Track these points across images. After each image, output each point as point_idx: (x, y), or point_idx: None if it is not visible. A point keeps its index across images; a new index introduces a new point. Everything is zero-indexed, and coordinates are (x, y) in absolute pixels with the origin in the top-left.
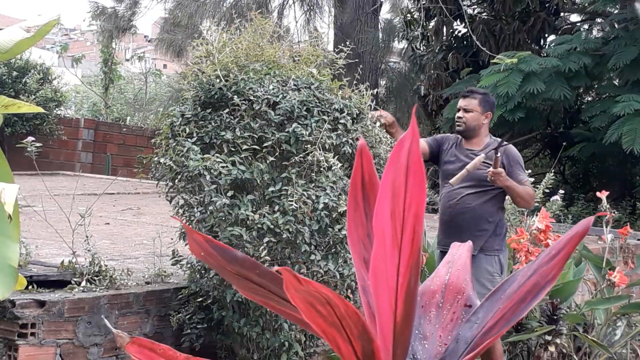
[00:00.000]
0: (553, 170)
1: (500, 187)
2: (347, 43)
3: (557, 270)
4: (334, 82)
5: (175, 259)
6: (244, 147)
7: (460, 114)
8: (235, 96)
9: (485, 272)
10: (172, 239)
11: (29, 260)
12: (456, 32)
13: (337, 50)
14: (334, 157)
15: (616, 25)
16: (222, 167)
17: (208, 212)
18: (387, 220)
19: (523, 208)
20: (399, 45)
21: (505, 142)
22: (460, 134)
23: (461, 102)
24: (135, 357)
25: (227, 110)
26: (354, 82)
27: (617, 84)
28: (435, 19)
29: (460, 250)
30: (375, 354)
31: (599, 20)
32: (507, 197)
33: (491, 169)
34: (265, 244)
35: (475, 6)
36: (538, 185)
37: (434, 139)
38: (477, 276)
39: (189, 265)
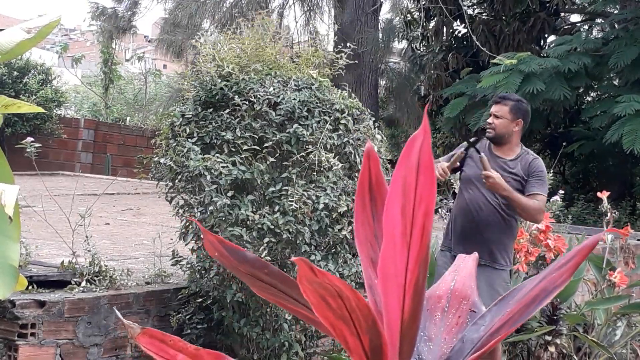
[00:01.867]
0: (553, 171)
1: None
2: (347, 44)
3: (566, 277)
4: (333, 86)
5: (175, 259)
6: (245, 147)
7: (490, 119)
8: (237, 96)
9: (502, 281)
10: (172, 239)
11: (29, 260)
12: (456, 33)
13: (336, 51)
14: (335, 158)
15: (616, 26)
16: (223, 167)
17: (208, 212)
18: (397, 217)
19: (527, 221)
20: (399, 45)
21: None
22: (489, 140)
23: (493, 108)
24: (146, 348)
25: (227, 110)
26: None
27: (617, 84)
28: (435, 19)
29: (467, 260)
30: (382, 349)
31: (599, 20)
32: None
33: (483, 171)
34: (265, 244)
35: (475, 6)
36: None
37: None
38: (496, 286)
39: (188, 266)
